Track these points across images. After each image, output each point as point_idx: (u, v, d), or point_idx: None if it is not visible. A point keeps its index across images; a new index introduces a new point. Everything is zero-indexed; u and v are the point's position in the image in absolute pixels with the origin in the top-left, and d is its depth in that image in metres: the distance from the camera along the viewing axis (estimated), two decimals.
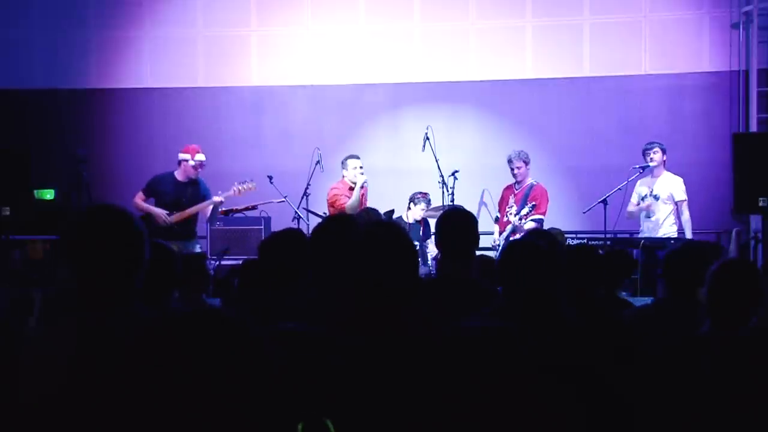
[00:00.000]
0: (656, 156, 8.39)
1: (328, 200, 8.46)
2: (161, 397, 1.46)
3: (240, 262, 5.25)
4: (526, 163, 8.46)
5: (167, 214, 8.03)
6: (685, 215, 8.35)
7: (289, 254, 3.41)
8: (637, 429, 2.92)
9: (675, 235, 8.25)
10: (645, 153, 8.46)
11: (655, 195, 8.40)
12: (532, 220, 8.14)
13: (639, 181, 8.50)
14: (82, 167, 8.38)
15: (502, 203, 8.51)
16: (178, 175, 8.19)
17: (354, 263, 2.54)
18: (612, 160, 9.71)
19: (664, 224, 8.35)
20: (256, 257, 3.75)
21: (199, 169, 8.20)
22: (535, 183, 8.45)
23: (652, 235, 8.23)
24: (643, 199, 8.44)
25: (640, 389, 2.98)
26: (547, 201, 8.41)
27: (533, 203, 8.19)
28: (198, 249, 8.23)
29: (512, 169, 8.44)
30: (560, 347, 2.92)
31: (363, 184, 8.35)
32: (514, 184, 8.49)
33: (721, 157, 9.30)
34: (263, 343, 1.55)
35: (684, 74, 10.18)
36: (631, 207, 8.49)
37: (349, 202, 8.27)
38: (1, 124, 10.35)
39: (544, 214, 8.28)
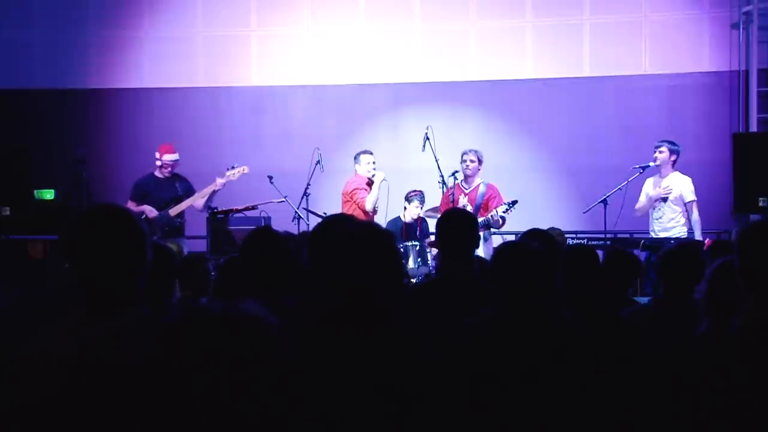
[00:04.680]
0: (661, 155, 8.33)
1: (346, 192, 8.43)
2: (170, 400, 1.45)
3: None
4: (480, 161, 8.36)
5: (158, 208, 8.32)
6: (695, 215, 8.24)
7: (270, 253, 3.37)
8: (636, 428, 2.92)
9: (684, 236, 8.17)
10: (653, 151, 8.41)
11: (663, 196, 8.33)
12: (502, 210, 7.99)
13: (648, 179, 8.45)
14: (82, 167, 8.39)
15: (448, 203, 8.14)
16: (158, 173, 8.55)
17: (335, 264, 2.54)
18: (612, 160, 9.72)
19: (673, 226, 8.30)
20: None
21: (168, 169, 8.50)
22: (486, 183, 8.37)
23: (660, 236, 8.18)
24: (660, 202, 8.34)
25: (641, 389, 2.98)
26: (499, 194, 8.30)
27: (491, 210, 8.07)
28: (184, 244, 8.49)
29: (464, 161, 8.31)
30: (553, 346, 2.93)
31: (383, 180, 8.38)
32: (458, 183, 8.23)
33: (721, 157, 9.30)
34: (281, 342, 1.53)
35: (684, 74, 10.18)
36: (639, 204, 8.43)
37: (369, 197, 8.33)
38: (1, 124, 10.35)
39: (502, 202, 8.14)
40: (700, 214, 8.33)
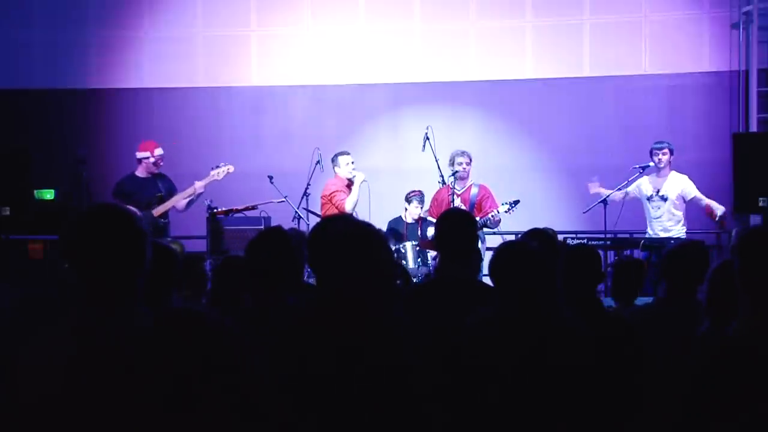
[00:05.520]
0: (664, 157, 8.36)
1: (325, 195, 8.37)
2: (161, 397, 1.46)
3: None
4: (471, 161, 8.37)
5: (141, 208, 8.15)
6: (706, 200, 8.27)
7: (273, 254, 3.37)
8: (636, 428, 2.92)
9: (684, 236, 8.19)
10: (653, 152, 8.40)
11: (663, 196, 8.35)
12: (504, 209, 7.96)
13: (644, 178, 8.44)
14: (82, 167, 8.38)
15: (442, 205, 8.16)
16: (140, 173, 8.40)
17: (329, 263, 2.55)
18: (612, 160, 9.72)
19: (673, 226, 8.31)
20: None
21: (161, 164, 8.39)
22: (477, 183, 8.37)
23: (660, 236, 8.19)
24: (648, 199, 8.38)
25: (641, 389, 2.98)
26: (492, 194, 8.32)
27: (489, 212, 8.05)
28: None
29: (460, 164, 8.26)
30: (553, 346, 2.93)
31: (362, 180, 8.32)
32: (453, 185, 8.22)
33: (721, 157, 9.30)
34: (243, 341, 1.54)
35: (684, 74, 10.19)
36: (619, 194, 8.38)
37: (350, 198, 8.26)
38: (1, 124, 10.35)
39: (497, 206, 8.13)
40: (692, 215, 8.40)
